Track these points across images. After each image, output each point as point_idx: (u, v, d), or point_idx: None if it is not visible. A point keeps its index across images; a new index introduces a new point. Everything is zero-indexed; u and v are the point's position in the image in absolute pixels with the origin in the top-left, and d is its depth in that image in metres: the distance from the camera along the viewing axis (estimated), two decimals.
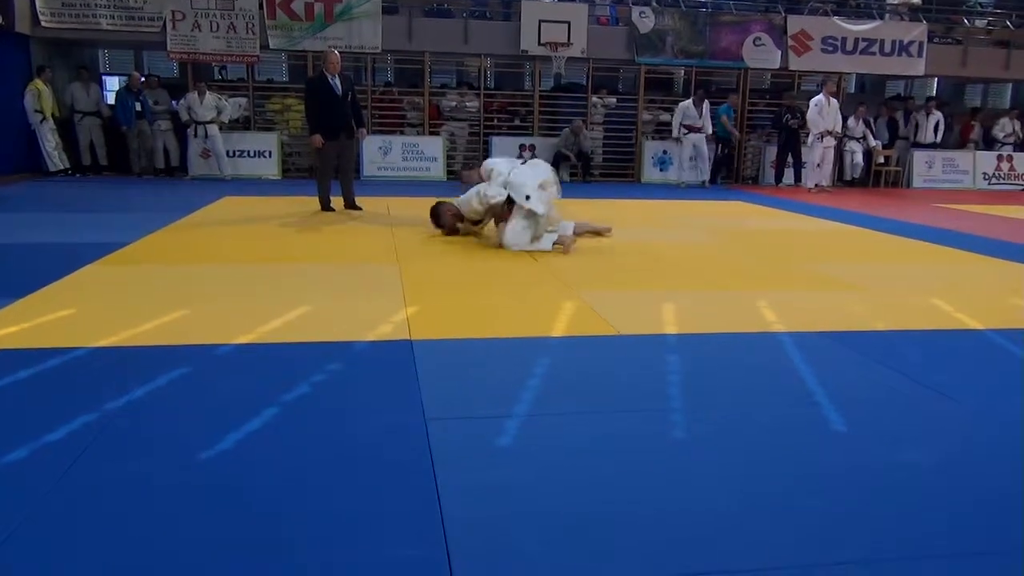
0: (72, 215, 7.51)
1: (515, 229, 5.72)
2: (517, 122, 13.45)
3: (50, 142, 11.05)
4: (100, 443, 2.31)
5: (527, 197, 5.65)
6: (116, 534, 1.82)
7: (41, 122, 10.89)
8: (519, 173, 5.84)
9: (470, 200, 6.07)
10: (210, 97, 11.51)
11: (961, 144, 14.59)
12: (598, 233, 6.58)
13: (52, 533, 1.82)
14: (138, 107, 11.58)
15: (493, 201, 5.85)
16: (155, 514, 1.92)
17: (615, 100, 13.64)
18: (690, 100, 12.28)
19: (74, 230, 6.52)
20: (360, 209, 8.11)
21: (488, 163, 6.33)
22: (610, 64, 13.49)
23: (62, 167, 11.27)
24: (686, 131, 12.24)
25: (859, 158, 13.38)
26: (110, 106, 11.96)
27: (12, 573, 1.67)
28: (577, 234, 6.08)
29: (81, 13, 11.32)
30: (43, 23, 11.18)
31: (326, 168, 8.09)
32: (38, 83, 10.86)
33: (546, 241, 5.78)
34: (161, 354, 3.17)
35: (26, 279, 4.38)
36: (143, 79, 12.03)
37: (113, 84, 13.88)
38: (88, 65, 12.75)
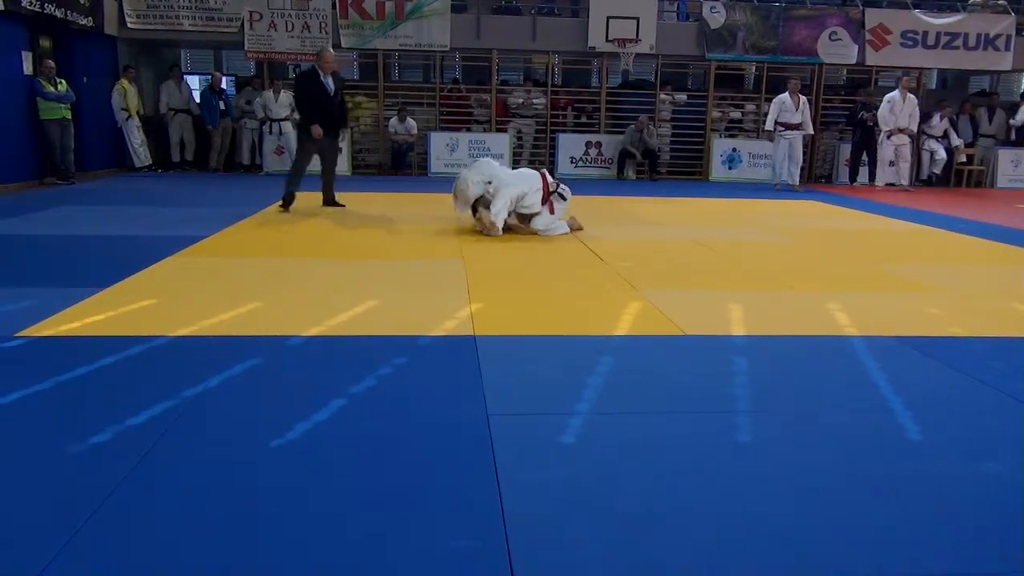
0: (155, 209, 7.82)
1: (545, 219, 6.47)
2: (584, 119, 13.41)
3: (136, 139, 11.55)
4: (178, 429, 2.41)
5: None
6: (190, 516, 1.91)
7: (127, 120, 11.39)
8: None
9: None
10: (285, 95, 11.81)
11: None
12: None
13: (133, 513, 1.92)
14: (221, 106, 12.03)
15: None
16: (226, 499, 1.99)
17: (685, 97, 13.44)
18: (785, 93, 11.35)
19: (156, 223, 6.78)
20: (342, 206, 7.92)
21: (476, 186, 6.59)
22: (679, 60, 13.31)
23: (147, 163, 11.76)
24: (782, 128, 11.28)
25: (940, 156, 12.84)
26: (198, 104, 12.43)
27: (96, 550, 1.76)
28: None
29: (165, 15, 11.77)
30: (129, 24, 11.67)
31: (305, 162, 7.85)
32: (123, 82, 11.36)
33: (561, 225, 6.58)
34: (235, 344, 3.28)
35: (112, 269, 4.59)
36: (244, 78, 12.45)
37: (194, 83, 14.38)
38: (178, 64, 13.26)
